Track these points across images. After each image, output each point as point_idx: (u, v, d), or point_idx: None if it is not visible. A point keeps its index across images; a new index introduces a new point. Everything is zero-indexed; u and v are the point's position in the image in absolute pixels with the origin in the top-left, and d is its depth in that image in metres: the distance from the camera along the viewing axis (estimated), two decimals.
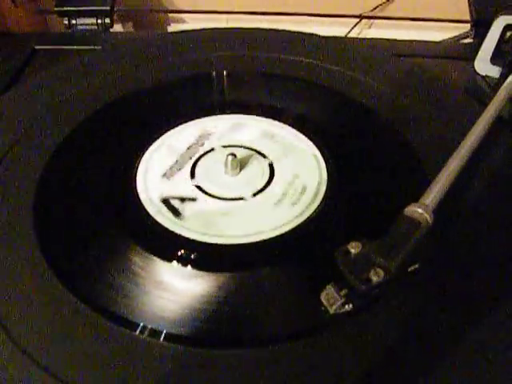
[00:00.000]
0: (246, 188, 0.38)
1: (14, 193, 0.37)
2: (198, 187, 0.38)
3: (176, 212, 0.36)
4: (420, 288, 0.30)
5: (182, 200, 0.37)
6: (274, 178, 0.39)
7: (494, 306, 0.30)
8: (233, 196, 0.38)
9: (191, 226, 0.35)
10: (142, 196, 0.37)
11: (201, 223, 0.35)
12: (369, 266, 0.28)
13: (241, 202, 0.37)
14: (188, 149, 0.42)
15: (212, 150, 0.42)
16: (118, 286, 0.31)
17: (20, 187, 0.37)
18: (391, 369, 0.27)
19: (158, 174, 0.39)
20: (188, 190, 0.38)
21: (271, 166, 0.40)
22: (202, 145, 0.42)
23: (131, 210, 0.37)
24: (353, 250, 0.29)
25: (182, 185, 0.38)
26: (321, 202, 0.37)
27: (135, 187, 0.38)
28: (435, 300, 0.30)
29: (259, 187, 0.38)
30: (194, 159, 0.41)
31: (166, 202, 0.37)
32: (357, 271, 0.28)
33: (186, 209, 0.36)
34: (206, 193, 0.38)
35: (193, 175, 0.39)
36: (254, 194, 0.38)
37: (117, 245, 0.34)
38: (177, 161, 0.41)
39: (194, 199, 0.37)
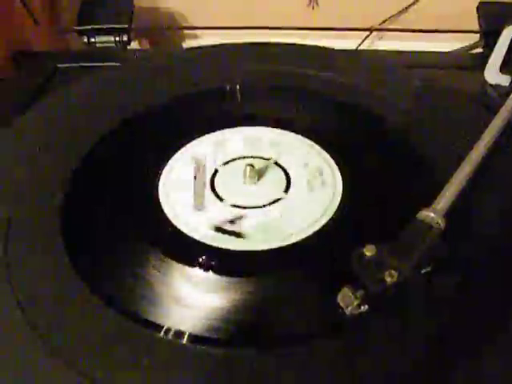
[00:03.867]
0: (275, 189, 0.40)
1: (40, 207, 0.38)
2: (234, 205, 0.39)
3: (237, 234, 0.37)
4: (433, 292, 0.31)
5: (232, 222, 0.37)
6: (290, 173, 0.41)
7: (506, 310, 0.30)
8: (269, 200, 0.39)
9: (257, 239, 0.36)
10: (185, 230, 0.37)
11: (265, 234, 0.36)
12: (383, 268, 0.29)
13: (280, 202, 0.39)
14: (195, 177, 0.42)
15: (216, 170, 0.42)
16: (142, 289, 0.33)
17: (45, 202, 0.39)
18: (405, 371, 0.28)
19: (188, 209, 0.39)
20: (227, 211, 0.38)
21: (279, 164, 0.42)
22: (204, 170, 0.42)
23: (187, 245, 0.36)
24: (368, 253, 0.30)
25: (218, 210, 0.39)
26: (335, 211, 0.38)
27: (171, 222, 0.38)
28: (448, 304, 0.31)
29: (284, 185, 0.40)
30: (207, 183, 0.41)
31: (219, 229, 0.37)
32: (372, 273, 0.29)
33: (242, 228, 0.37)
34: (244, 207, 0.39)
35: (219, 197, 0.40)
36: (286, 191, 0.40)
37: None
38: (195, 191, 0.40)
39: (241, 217, 0.38)
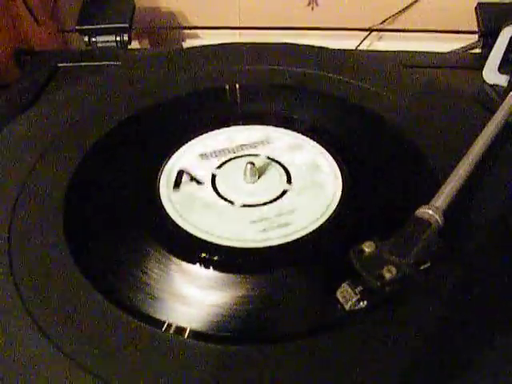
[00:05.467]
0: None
1: (42, 203, 0.39)
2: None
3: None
4: (433, 289, 0.32)
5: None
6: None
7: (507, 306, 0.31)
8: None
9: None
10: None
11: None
12: (382, 264, 0.30)
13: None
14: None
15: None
16: (144, 285, 0.33)
17: (48, 198, 0.39)
18: (406, 367, 0.28)
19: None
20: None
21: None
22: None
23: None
24: (367, 249, 0.31)
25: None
26: (335, 209, 0.38)
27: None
28: (447, 300, 0.31)
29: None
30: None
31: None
32: (371, 269, 0.30)
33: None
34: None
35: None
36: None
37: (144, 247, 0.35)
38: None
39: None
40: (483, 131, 0.41)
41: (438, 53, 0.62)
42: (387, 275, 0.29)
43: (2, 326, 0.30)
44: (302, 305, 0.32)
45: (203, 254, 0.35)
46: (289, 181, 0.41)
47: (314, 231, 0.36)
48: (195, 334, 0.30)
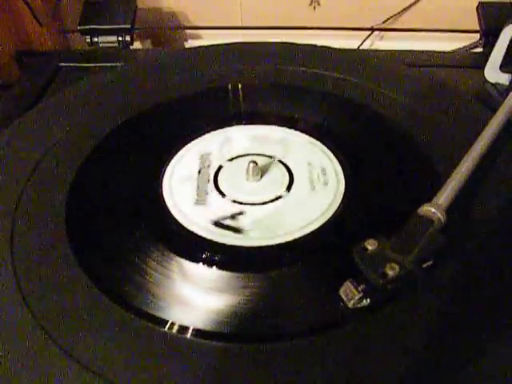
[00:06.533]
0: (277, 187, 0.40)
1: (45, 203, 0.39)
2: (235, 201, 0.39)
3: (236, 229, 0.37)
4: (435, 287, 0.32)
5: (233, 217, 0.38)
6: (293, 171, 0.42)
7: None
8: (271, 197, 0.39)
9: (258, 236, 0.36)
10: (186, 224, 0.38)
11: (263, 230, 0.37)
12: (385, 262, 0.30)
13: (281, 199, 0.39)
14: (199, 172, 0.42)
15: (220, 167, 0.43)
16: (146, 284, 0.33)
17: (50, 199, 0.39)
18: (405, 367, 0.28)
19: (190, 203, 0.39)
20: (228, 207, 0.39)
21: (283, 163, 0.43)
22: (208, 166, 0.43)
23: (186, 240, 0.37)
24: (369, 247, 0.31)
25: (219, 205, 0.39)
26: (337, 207, 0.38)
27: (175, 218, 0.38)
28: (449, 298, 0.31)
29: (287, 183, 0.40)
30: (211, 179, 0.42)
31: (218, 224, 0.37)
32: (373, 266, 0.30)
33: (242, 224, 0.37)
34: (246, 203, 0.39)
35: (221, 193, 0.40)
36: (288, 189, 0.40)
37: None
38: (198, 186, 0.41)
39: (241, 213, 0.38)
40: (485, 129, 0.41)
41: (439, 52, 0.62)
42: (390, 273, 0.29)
43: (6, 328, 0.30)
44: (305, 303, 0.32)
45: (206, 253, 0.35)
46: (291, 180, 0.41)
47: (316, 229, 0.36)
48: (197, 333, 0.30)
